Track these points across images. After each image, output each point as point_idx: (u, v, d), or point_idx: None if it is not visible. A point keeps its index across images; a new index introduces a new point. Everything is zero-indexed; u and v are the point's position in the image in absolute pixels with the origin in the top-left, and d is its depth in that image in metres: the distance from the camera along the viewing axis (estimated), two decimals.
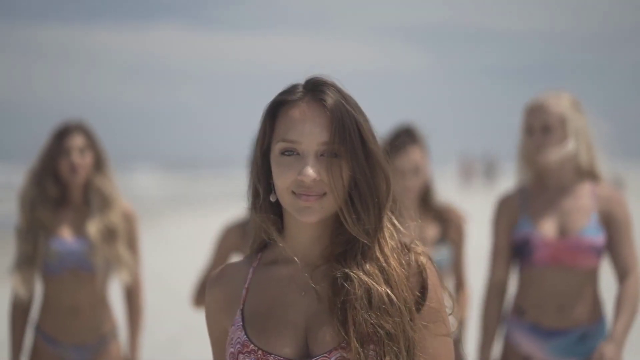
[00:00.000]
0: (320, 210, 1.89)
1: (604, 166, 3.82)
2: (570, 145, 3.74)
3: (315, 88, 1.94)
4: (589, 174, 3.79)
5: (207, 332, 2.04)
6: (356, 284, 1.86)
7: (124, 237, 4.33)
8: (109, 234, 4.29)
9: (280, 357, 1.88)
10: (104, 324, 4.33)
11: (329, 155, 1.89)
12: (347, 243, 1.92)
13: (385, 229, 1.93)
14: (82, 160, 4.33)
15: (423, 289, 1.92)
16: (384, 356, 1.85)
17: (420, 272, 1.92)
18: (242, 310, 1.95)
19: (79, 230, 4.30)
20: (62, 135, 4.37)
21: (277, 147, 1.92)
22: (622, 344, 3.57)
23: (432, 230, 4.19)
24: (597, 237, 3.68)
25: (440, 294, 1.93)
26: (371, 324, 1.85)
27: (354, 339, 1.84)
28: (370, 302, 1.86)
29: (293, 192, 1.89)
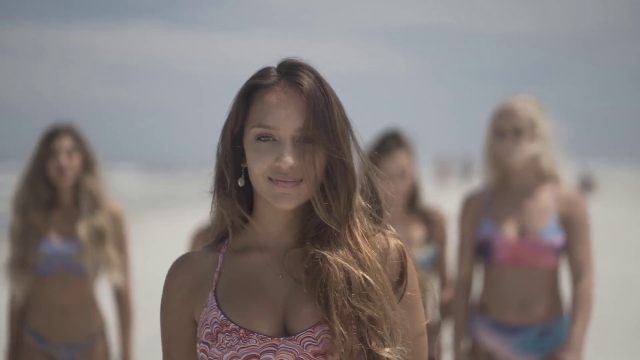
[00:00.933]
0: (297, 197, 1.87)
1: (569, 168, 3.96)
2: (536, 148, 3.89)
3: (290, 71, 1.91)
4: (550, 176, 3.93)
5: (162, 320, 1.98)
6: (335, 267, 1.86)
7: (112, 238, 4.37)
8: (98, 236, 4.34)
9: (263, 335, 1.86)
10: (93, 323, 4.40)
11: (304, 141, 1.87)
12: (319, 227, 1.90)
13: (355, 214, 1.92)
14: (69, 162, 4.36)
15: (402, 275, 1.92)
16: (370, 341, 1.84)
17: (400, 257, 1.93)
18: (215, 292, 1.92)
19: (68, 232, 4.35)
20: (50, 138, 4.41)
21: (252, 132, 1.89)
22: (581, 348, 3.72)
23: (418, 232, 4.32)
24: (555, 237, 3.84)
25: (416, 281, 1.94)
26: (353, 307, 1.84)
27: (338, 323, 1.83)
28: (350, 286, 1.86)
29: (269, 178, 1.87)
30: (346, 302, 1.84)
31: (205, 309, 1.92)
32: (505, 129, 3.90)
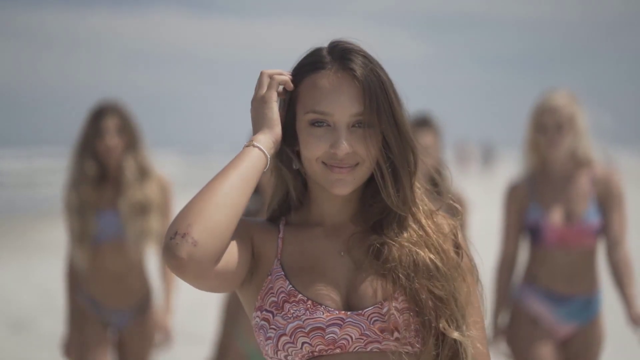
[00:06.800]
0: (353, 182, 1.85)
1: (597, 151, 4.32)
2: (574, 141, 4.26)
3: (343, 56, 1.87)
4: (586, 162, 4.28)
5: None
6: (401, 251, 1.86)
7: (158, 207, 4.57)
8: (141, 209, 4.52)
9: (331, 308, 1.83)
10: (142, 290, 4.62)
11: (360, 126, 1.85)
12: (382, 212, 1.89)
13: (417, 196, 1.91)
14: (116, 141, 4.54)
15: (457, 248, 1.93)
16: (438, 322, 1.83)
17: (454, 233, 1.94)
18: (280, 261, 1.89)
19: (117, 205, 4.56)
20: (97, 117, 4.56)
21: (306, 117, 1.86)
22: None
23: None
24: (596, 220, 4.20)
25: (469, 252, 1.97)
26: (421, 287, 1.84)
27: (409, 299, 1.84)
28: (416, 267, 1.85)
29: (323, 163, 1.85)
30: (415, 283, 1.83)
31: (270, 277, 1.88)
32: (548, 124, 4.21)
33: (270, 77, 1.88)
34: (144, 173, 4.58)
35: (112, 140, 4.54)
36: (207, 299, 8.87)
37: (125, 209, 4.51)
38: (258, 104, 1.88)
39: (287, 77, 1.90)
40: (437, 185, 4.54)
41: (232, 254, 1.82)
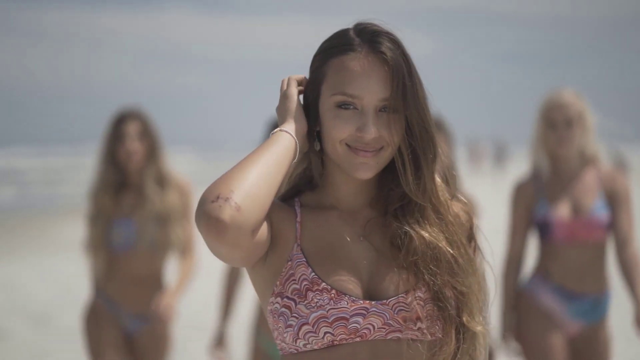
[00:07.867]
0: (376, 166, 1.84)
1: (604, 150, 4.36)
2: (583, 138, 4.28)
3: (372, 39, 1.84)
4: (592, 160, 4.30)
5: None
6: (423, 242, 1.84)
7: (178, 217, 4.55)
8: (161, 219, 4.52)
9: (355, 297, 1.81)
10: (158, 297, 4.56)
11: (387, 111, 1.83)
12: (401, 199, 1.87)
13: (437, 188, 1.90)
14: (137, 146, 4.53)
15: (469, 239, 1.94)
16: (461, 314, 1.84)
17: (470, 225, 1.95)
18: (300, 247, 1.86)
19: (135, 215, 4.55)
20: (118, 123, 4.56)
21: (333, 99, 1.83)
22: None
23: None
24: (604, 214, 4.19)
25: (480, 244, 1.97)
26: (443, 281, 1.83)
27: (433, 289, 1.84)
28: (438, 262, 1.84)
29: (347, 145, 1.83)
30: (439, 279, 1.82)
31: (290, 262, 1.84)
32: (558, 120, 4.22)
33: (288, 78, 1.91)
34: (163, 181, 4.58)
35: (133, 145, 4.54)
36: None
37: (143, 222, 4.53)
38: (281, 101, 1.89)
39: (302, 76, 1.92)
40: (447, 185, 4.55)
41: (261, 229, 1.80)
